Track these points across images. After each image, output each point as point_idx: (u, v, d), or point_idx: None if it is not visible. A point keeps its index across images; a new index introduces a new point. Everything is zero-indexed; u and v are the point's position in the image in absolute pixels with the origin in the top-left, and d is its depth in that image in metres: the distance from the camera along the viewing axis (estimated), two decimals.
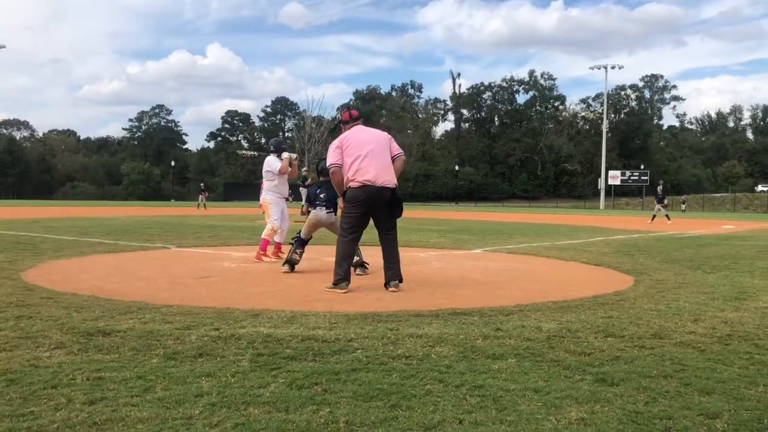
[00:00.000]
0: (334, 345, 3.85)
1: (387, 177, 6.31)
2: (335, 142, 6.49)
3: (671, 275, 7.76)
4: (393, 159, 6.48)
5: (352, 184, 6.27)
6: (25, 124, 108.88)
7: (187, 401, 2.82)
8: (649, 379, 3.29)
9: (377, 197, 6.28)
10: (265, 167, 9.22)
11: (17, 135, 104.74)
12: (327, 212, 7.64)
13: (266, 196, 9.22)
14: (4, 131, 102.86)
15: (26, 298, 5.27)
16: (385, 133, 6.68)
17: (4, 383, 3.00)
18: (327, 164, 6.54)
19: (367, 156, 6.27)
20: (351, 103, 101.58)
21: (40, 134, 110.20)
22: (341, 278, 6.19)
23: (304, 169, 22.59)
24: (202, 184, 43.87)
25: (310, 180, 21.58)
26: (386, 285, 6.39)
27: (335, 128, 6.89)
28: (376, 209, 6.38)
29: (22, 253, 8.96)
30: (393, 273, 6.41)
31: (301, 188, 21.45)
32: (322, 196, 7.65)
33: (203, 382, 3.09)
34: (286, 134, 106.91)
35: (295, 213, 9.94)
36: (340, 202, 6.74)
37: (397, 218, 6.52)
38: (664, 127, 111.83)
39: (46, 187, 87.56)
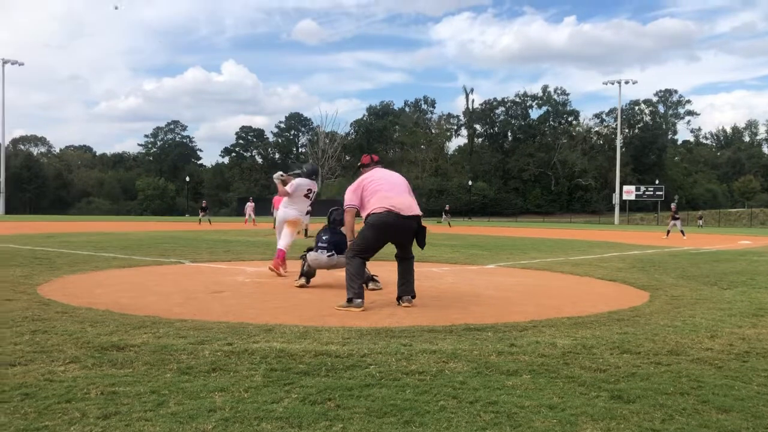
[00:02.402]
0: (347, 360, 3.84)
1: (413, 207, 6.28)
2: (354, 184, 6.51)
3: (687, 291, 7.68)
4: None
5: (377, 210, 6.18)
6: (43, 140, 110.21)
7: (200, 416, 2.82)
8: (665, 396, 3.25)
9: (402, 224, 6.23)
10: (314, 194, 9.46)
11: (35, 151, 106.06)
12: (328, 255, 7.59)
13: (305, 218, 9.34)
14: (22, 147, 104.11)
15: (42, 313, 5.30)
16: (405, 180, 6.71)
17: (19, 397, 3.02)
18: (345, 203, 6.48)
19: (391, 189, 6.32)
20: (364, 118, 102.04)
21: (57, 150, 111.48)
22: (356, 295, 6.08)
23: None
24: (203, 202, 44.26)
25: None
26: (399, 300, 6.38)
27: (356, 172, 6.98)
28: (400, 237, 6.35)
29: (39, 267, 9.03)
30: (406, 289, 6.39)
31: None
32: (324, 238, 7.63)
33: (216, 397, 3.09)
34: (300, 150, 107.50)
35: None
36: (349, 238, 6.54)
37: (420, 246, 6.45)
38: (679, 142, 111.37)
39: (62, 202, 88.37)
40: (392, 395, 3.17)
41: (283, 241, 9.15)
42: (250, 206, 38.99)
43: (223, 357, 3.87)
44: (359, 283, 6.15)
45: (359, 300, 6.06)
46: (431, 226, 30.97)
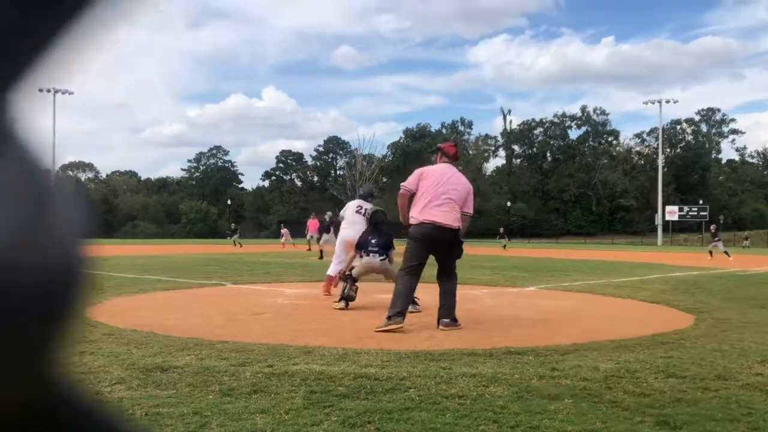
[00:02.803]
0: (387, 383, 3.84)
1: (449, 220, 6.31)
2: (420, 169, 6.63)
3: (734, 314, 7.48)
4: (463, 213, 6.47)
5: (414, 222, 6.37)
6: (90, 166, 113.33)
7: None
8: (714, 423, 3.17)
9: (437, 236, 6.31)
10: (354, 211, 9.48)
11: (83, 176, 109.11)
12: (380, 259, 7.68)
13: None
14: (71, 173, 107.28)
15: (89, 335, 5.43)
16: (468, 186, 6.68)
17: None
18: (402, 184, 6.60)
19: (438, 198, 6.33)
20: (401, 141, 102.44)
21: (104, 175, 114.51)
22: (396, 314, 6.09)
23: (328, 213, 23.04)
24: (233, 224, 45.03)
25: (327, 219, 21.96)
26: (438, 323, 6.35)
27: (433, 151, 7.06)
28: (436, 248, 6.42)
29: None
30: (443, 311, 6.37)
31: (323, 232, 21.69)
32: (374, 242, 7.69)
33: (257, 418, 3.12)
34: (338, 172, 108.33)
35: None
36: (404, 221, 6.61)
37: (456, 258, 6.50)
38: (723, 161, 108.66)
39: (108, 226, 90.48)
40: (432, 419, 3.15)
41: (334, 266, 9.38)
42: (285, 231, 39.75)
43: (263, 379, 3.91)
44: (402, 302, 6.19)
45: (399, 318, 6.08)
46: (499, 250, 30.62)
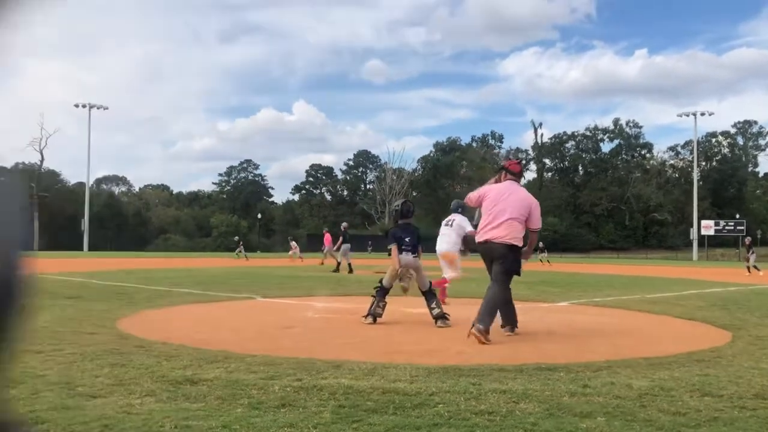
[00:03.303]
0: (415, 399, 3.81)
1: (502, 235, 6.63)
2: (483, 188, 7.15)
3: None
4: (530, 229, 6.90)
5: (478, 239, 6.94)
6: (123, 180, 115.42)
7: None
8: None
9: (491, 252, 6.79)
10: (456, 225, 10.15)
11: (116, 190, 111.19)
12: (414, 257, 7.67)
13: (454, 249, 10.15)
14: (105, 187, 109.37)
15: (120, 347, 5.50)
16: (529, 201, 6.94)
17: (99, 428, 3.12)
18: (467, 198, 7.30)
19: (495, 217, 6.71)
20: (431, 154, 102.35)
21: (137, 189, 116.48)
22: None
23: (344, 224, 23.25)
24: (236, 238, 45.36)
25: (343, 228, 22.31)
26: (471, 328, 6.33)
27: (498, 170, 7.55)
28: (492, 262, 6.83)
29: (118, 302, 9.39)
30: (477, 318, 6.39)
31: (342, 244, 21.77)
32: (407, 240, 7.67)
33: None
34: (368, 186, 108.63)
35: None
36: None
37: (508, 271, 6.78)
38: (761, 175, 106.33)
39: (141, 239, 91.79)
40: None
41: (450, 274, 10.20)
42: (294, 244, 39.39)
43: (292, 393, 3.91)
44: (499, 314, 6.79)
45: (506, 327, 6.90)
46: (537, 265, 30.34)
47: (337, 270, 20.65)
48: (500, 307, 6.76)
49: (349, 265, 20.77)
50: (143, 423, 3.21)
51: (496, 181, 7.21)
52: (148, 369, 4.53)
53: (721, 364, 5.12)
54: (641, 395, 3.98)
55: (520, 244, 6.78)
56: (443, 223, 10.30)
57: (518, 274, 6.87)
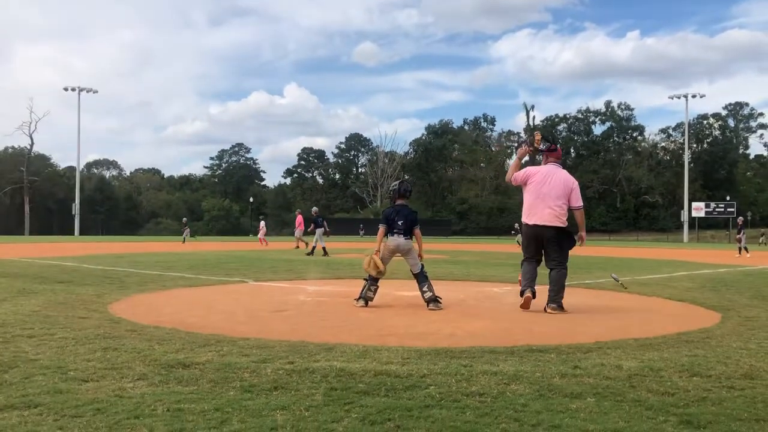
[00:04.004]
0: (407, 381, 3.83)
1: (549, 218, 7.27)
2: (529, 168, 7.64)
3: (762, 312, 7.35)
4: (572, 207, 7.42)
5: (523, 218, 7.52)
6: (114, 164, 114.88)
7: None
8: (739, 423, 3.11)
9: (540, 234, 7.36)
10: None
11: (107, 174, 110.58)
12: (405, 239, 7.64)
13: None
14: (95, 171, 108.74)
15: (112, 331, 5.50)
16: (570, 183, 7.47)
17: (91, 412, 3.13)
18: (507, 177, 7.85)
19: (539, 199, 7.32)
20: (423, 137, 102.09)
21: (128, 173, 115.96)
22: (523, 288, 7.42)
23: (314, 209, 23.32)
24: (184, 219, 44.31)
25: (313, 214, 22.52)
26: (546, 307, 7.21)
27: (548, 146, 7.91)
28: (542, 244, 7.42)
29: (110, 287, 9.38)
30: (550, 297, 7.23)
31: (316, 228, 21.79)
32: (399, 223, 7.64)
33: (278, 415, 3.13)
34: (360, 170, 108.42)
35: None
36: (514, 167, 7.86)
37: (566, 249, 7.42)
38: (751, 157, 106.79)
39: (132, 223, 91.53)
40: (453, 417, 3.14)
41: None
42: (262, 224, 38.18)
43: (284, 375, 3.92)
44: (522, 281, 7.49)
45: (526, 291, 7.35)
46: (515, 247, 30.72)
47: (311, 253, 20.59)
48: (527, 275, 7.46)
49: (324, 248, 20.77)
50: (135, 406, 3.22)
51: (527, 154, 8.05)
52: (140, 353, 4.53)
53: (710, 345, 5.17)
54: (631, 376, 4.02)
55: (566, 225, 7.38)
56: None
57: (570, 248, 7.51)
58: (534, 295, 7.38)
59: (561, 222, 7.33)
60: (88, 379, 3.76)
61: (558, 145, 8.03)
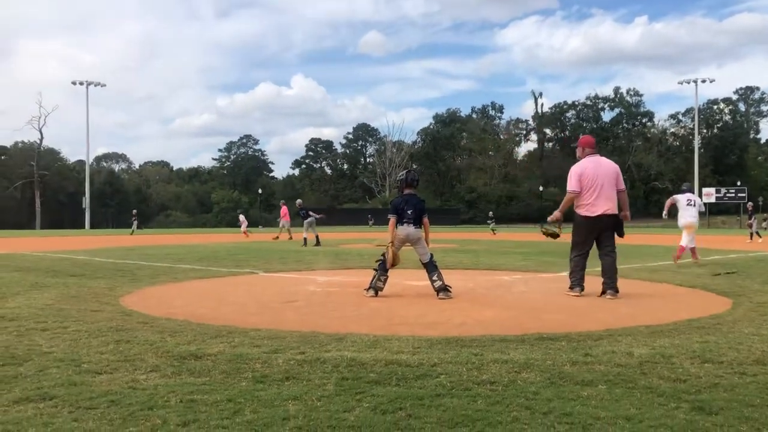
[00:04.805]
0: (418, 370, 3.84)
1: (611, 206, 7.58)
2: (577, 169, 7.78)
3: None
4: (618, 191, 7.70)
5: (583, 212, 7.65)
6: (123, 157, 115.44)
7: (274, 424, 2.88)
8: (752, 409, 3.11)
9: (603, 224, 7.61)
10: (698, 204, 13.59)
11: (116, 167, 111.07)
12: (415, 228, 7.66)
13: (696, 222, 13.45)
14: (105, 164, 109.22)
15: (124, 323, 5.54)
16: (615, 167, 7.85)
17: (105, 404, 3.16)
18: (568, 188, 7.76)
19: (598, 190, 7.57)
20: (431, 126, 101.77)
21: (137, 166, 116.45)
22: (575, 284, 7.73)
23: (298, 201, 23.38)
24: (134, 211, 43.48)
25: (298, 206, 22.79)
26: (603, 293, 7.52)
27: (577, 145, 8.29)
28: (601, 233, 7.67)
29: (121, 279, 9.44)
30: (609, 284, 7.52)
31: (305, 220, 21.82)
32: (409, 212, 7.65)
33: (290, 405, 3.15)
34: (368, 160, 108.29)
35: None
36: (557, 214, 8.10)
37: (621, 237, 7.76)
38: (762, 141, 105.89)
39: (142, 216, 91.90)
40: (464, 405, 3.15)
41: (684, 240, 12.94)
42: (242, 218, 36.10)
43: (296, 366, 3.94)
44: (578, 276, 7.75)
45: (578, 288, 7.70)
46: (489, 235, 30.53)
47: (317, 243, 20.60)
48: (581, 270, 7.75)
49: (314, 237, 20.80)
50: (149, 398, 3.25)
51: (576, 157, 8.07)
52: (152, 345, 4.56)
53: (721, 331, 5.15)
54: (642, 363, 4.02)
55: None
56: (684, 202, 13.26)
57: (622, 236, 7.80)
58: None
59: (616, 209, 7.66)
60: (101, 372, 3.79)
61: (585, 137, 8.33)
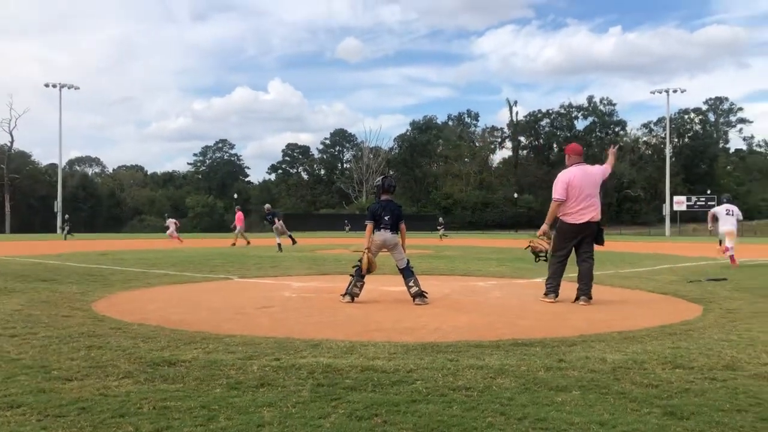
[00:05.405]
0: (394, 376, 3.84)
1: (596, 214, 7.69)
2: (564, 177, 7.79)
3: (743, 304, 7.44)
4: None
5: (569, 220, 7.71)
6: (97, 161, 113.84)
7: (249, 431, 2.85)
8: (722, 413, 3.16)
9: (587, 231, 7.72)
10: (736, 213, 14.84)
11: (89, 171, 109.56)
12: (392, 234, 7.69)
13: (735, 228, 14.80)
14: (78, 168, 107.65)
15: (96, 329, 5.46)
16: (601, 173, 7.97)
17: (75, 411, 3.11)
18: (554, 196, 7.74)
19: (585, 199, 7.66)
20: (408, 133, 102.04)
21: (111, 170, 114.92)
22: (550, 290, 7.77)
23: (267, 206, 23.40)
24: (66, 216, 42.72)
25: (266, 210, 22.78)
26: (576, 299, 7.59)
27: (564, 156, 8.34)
28: (583, 239, 7.76)
29: (93, 284, 9.30)
30: (584, 290, 7.60)
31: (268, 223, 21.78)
32: (386, 218, 7.68)
33: (265, 412, 3.12)
34: (345, 165, 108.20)
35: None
36: (544, 227, 8.14)
37: (600, 245, 7.89)
38: (731, 151, 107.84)
39: (115, 220, 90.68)
40: (439, 411, 3.15)
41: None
42: (171, 222, 34.42)
43: (271, 372, 3.92)
44: (555, 283, 7.78)
45: (552, 294, 7.73)
46: (437, 240, 30.74)
47: (293, 242, 20.53)
48: (559, 277, 7.81)
49: (279, 244, 20.76)
50: (120, 405, 3.20)
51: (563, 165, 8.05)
52: (125, 351, 4.50)
53: (692, 337, 5.23)
54: (615, 368, 4.06)
55: None
56: (723, 212, 14.67)
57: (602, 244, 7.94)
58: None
59: (600, 217, 7.79)
60: (71, 378, 3.73)
61: (573, 144, 8.49)
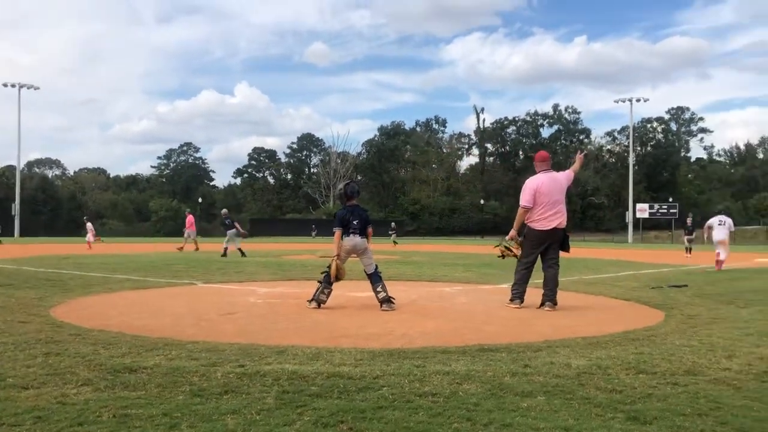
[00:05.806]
0: (360, 382, 3.81)
1: (562, 220, 7.80)
2: (531, 184, 7.84)
3: (703, 310, 7.59)
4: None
5: (537, 226, 7.76)
6: (57, 163, 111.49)
7: None
8: (683, 418, 3.20)
9: (554, 237, 7.80)
10: (729, 224, 16.33)
11: (49, 173, 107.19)
12: (361, 238, 7.69)
13: (727, 238, 16.03)
14: (37, 170, 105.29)
15: (55, 335, 5.32)
16: (565, 176, 8.14)
17: (31, 420, 3.01)
18: (521, 203, 7.80)
19: (553, 206, 7.75)
20: (376, 138, 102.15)
21: (71, 173, 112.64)
22: (516, 296, 7.84)
23: (224, 210, 23.31)
24: None
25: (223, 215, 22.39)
26: (542, 305, 7.63)
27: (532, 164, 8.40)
28: (549, 246, 7.83)
29: (52, 290, 9.08)
30: (549, 296, 7.67)
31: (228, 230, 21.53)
32: (355, 223, 7.68)
33: (228, 419, 3.07)
34: (312, 170, 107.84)
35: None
36: (512, 233, 8.09)
37: (566, 252, 8.06)
38: (692, 160, 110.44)
39: (76, 224, 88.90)
40: (405, 417, 3.14)
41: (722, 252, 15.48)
42: (90, 226, 33.92)
43: (235, 379, 3.86)
44: (521, 289, 7.85)
45: (518, 300, 7.81)
46: (390, 246, 30.84)
47: (224, 255, 20.26)
48: (524, 284, 7.88)
49: (236, 249, 20.58)
50: (79, 413, 3.12)
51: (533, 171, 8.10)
52: (84, 357, 4.39)
53: (654, 343, 5.31)
54: (579, 374, 4.09)
55: None
56: (717, 223, 16.11)
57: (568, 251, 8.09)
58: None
59: (566, 222, 7.90)
60: (28, 386, 3.62)
61: (540, 152, 8.52)
